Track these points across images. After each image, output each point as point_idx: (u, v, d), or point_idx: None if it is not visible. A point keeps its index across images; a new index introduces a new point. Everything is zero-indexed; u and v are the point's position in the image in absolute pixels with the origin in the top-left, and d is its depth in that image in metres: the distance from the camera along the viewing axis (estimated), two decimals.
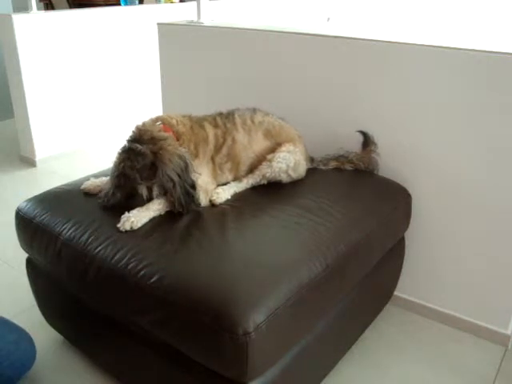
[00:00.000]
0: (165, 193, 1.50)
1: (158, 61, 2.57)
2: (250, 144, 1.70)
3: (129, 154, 1.46)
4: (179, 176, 1.45)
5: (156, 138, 1.47)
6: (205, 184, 1.58)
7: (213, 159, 1.64)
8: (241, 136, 1.68)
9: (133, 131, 1.52)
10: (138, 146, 1.45)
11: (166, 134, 1.50)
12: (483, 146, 1.70)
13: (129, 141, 1.50)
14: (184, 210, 1.48)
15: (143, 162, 1.44)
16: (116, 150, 1.52)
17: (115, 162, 1.51)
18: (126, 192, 1.52)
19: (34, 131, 3.43)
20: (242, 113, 1.74)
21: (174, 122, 1.58)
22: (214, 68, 2.37)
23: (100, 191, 1.59)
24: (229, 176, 1.69)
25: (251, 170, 1.72)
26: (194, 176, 1.50)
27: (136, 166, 1.45)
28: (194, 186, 1.49)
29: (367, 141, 1.90)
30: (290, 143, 1.75)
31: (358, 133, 1.90)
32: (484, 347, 1.84)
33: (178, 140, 1.54)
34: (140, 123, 1.54)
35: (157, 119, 1.57)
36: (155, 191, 1.49)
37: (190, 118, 1.65)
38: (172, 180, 1.44)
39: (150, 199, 1.50)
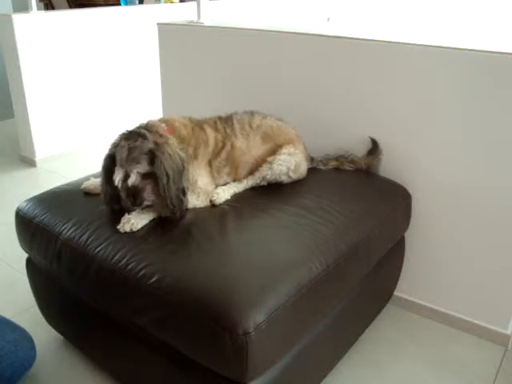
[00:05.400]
0: (143, 186, 1.42)
1: (158, 61, 2.57)
2: (248, 149, 1.70)
3: (131, 135, 1.42)
4: (174, 175, 1.41)
5: (162, 135, 1.46)
6: (204, 185, 1.58)
7: (210, 162, 1.64)
8: (239, 141, 1.68)
9: (140, 123, 1.50)
10: (143, 130, 1.42)
11: (170, 136, 1.49)
12: (483, 146, 1.70)
13: (135, 127, 1.47)
14: (176, 211, 1.43)
15: (142, 144, 1.38)
16: None
17: (112, 143, 1.46)
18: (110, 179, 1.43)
19: (34, 131, 3.43)
20: (241, 117, 1.73)
21: (177, 124, 1.57)
22: (214, 68, 2.37)
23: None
24: (227, 179, 1.69)
25: (251, 172, 1.72)
26: (185, 183, 1.45)
27: (132, 146, 1.38)
28: (184, 192, 1.45)
29: (375, 149, 1.90)
30: (290, 144, 1.75)
31: (360, 135, 1.90)
32: (484, 347, 1.84)
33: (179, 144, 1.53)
34: (147, 120, 1.53)
35: (162, 121, 1.56)
36: (132, 178, 1.39)
37: (191, 119, 1.64)
38: (167, 175, 1.40)
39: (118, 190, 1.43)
